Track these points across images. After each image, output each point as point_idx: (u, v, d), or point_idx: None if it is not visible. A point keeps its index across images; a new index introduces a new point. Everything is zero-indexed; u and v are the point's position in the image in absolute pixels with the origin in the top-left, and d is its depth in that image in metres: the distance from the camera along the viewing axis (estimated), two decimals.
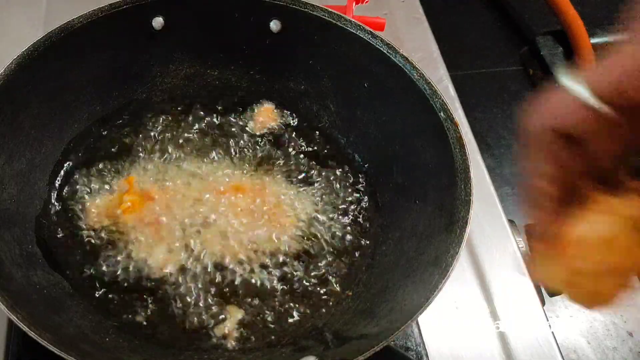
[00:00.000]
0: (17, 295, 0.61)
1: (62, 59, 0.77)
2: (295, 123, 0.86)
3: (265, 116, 0.86)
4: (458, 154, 0.70)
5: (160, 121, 0.84)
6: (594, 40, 1.16)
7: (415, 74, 0.75)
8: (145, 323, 0.69)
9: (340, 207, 0.79)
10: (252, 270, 0.73)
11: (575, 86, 0.49)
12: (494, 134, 1.10)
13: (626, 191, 0.45)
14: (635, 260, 0.42)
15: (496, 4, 1.29)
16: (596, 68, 0.50)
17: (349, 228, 0.77)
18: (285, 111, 0.86)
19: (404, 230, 0.74)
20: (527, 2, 1.28)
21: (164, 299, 0.70)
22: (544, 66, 1.18)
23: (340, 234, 0.77)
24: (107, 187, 0.78)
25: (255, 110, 0.86)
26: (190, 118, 0.85)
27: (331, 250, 0.75)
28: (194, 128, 0.84)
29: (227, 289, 0.72)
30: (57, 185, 0.77)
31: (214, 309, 0.70)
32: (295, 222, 0.77)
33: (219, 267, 0.73)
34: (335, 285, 0.73)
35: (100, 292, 0.70)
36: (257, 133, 0.84)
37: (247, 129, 0.85)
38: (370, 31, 0.78)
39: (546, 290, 0.80)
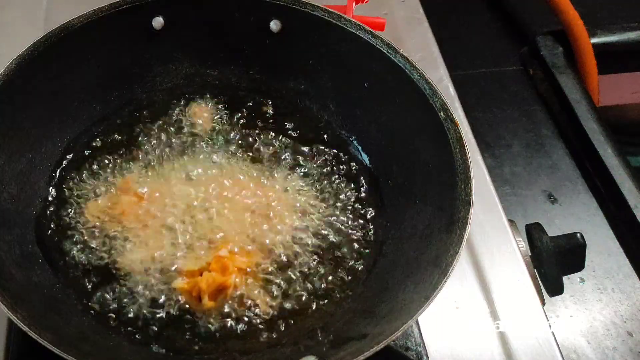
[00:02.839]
0: (17, 295, 0.61)
1: (62, 59, 0.77)
2: (296, 123, 0.86)
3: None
4: (458, 154, 0.70)
5: (160, 121, 0.84)
6: (594, 40, 1.16)
7: (415, 74, 0.75)
8: (145, 323, 0.69)
9: (340, 207, 0.79)
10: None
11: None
12: (494, 134, 1.10)
13: None
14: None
15: (496, 4, 1.29)
16: None
17: (348, 228, 0.77)
18: (285, 112, 0.86)
19: (404, 230, 0.74)
20: (527, 2, 1.28)
21: (164, 299, 0.70)
22: (544, 66, 1.18)
23: (340, 234, 0.77)
24: (106, 187, 0.78)
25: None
26: (190, 118, 0.85)
27: (331, 250, 0.75)
28: (194, 128, 0.84)
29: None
30: (57, 185, 0.77)
31: (215, 307, 0.70)
32: (296, 222, 0.76)
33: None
34: (335, 285, 0.73)
35: (100, 292, 0.70)
36: (258, 132, 0.84)
37: (247, 128, 0.85)
38: (370, 31, 0.78)
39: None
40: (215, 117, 0.85)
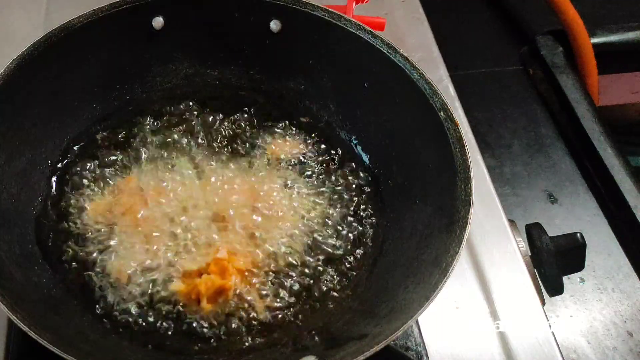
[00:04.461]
0: (17, 295, 0.61)
1: (62, 59, 0.77)
2: (296, 123, 0.86)
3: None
4: (458, 154, 0.70)
5: (160, 121, 0.84)
6: (594, 40, 1.16)
7: (415, 74, 0.75)
8: (144, 323, 0.69)
9: (340, 207, 0.79)
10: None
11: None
12: (494, 134, 1.10)
13: None
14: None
15: (496, 4, 1.29)
16: None
17: (349, 228, 0.77)
18: (285, 112, 0.86)
19: (404, 230, 0.74)
20: (527, 2, 1.28)
21: (163, 300, 0.70)
22: (544, 66, 1.18)
23: (340, 234, 0.77)
24: (106, 187, 0.78)
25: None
26: (191, 118, 0.85)
27: (331, 250, 0.75)
28: (195, 128, 0.84)
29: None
30: (56, 185, 0.77)
31: (214, 309, 0.70)
32: (296, 222, 0.76)
33: None
34: (335, 285, 0.73)
35: (100, 292, 0.70)
36: (257, 133, 0.84)
37: (248, 128, 0.85)
38: (370, 31, 0.78)
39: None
40: (216, 118, 0.85)
